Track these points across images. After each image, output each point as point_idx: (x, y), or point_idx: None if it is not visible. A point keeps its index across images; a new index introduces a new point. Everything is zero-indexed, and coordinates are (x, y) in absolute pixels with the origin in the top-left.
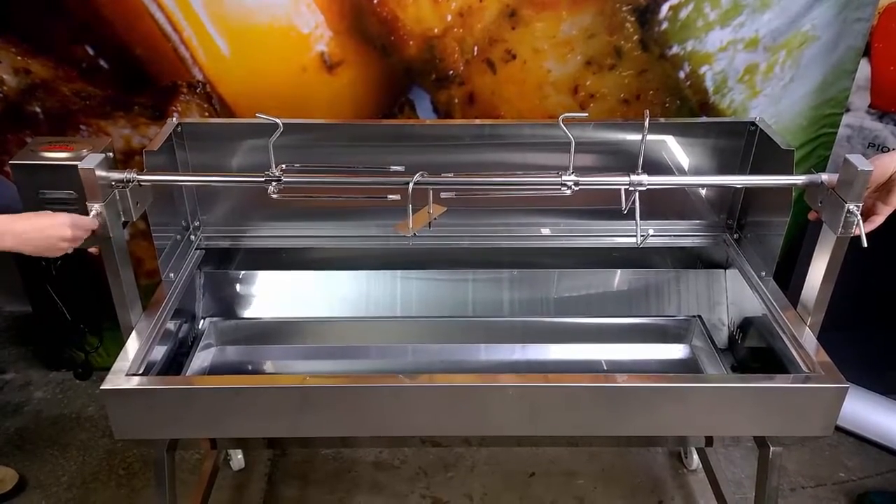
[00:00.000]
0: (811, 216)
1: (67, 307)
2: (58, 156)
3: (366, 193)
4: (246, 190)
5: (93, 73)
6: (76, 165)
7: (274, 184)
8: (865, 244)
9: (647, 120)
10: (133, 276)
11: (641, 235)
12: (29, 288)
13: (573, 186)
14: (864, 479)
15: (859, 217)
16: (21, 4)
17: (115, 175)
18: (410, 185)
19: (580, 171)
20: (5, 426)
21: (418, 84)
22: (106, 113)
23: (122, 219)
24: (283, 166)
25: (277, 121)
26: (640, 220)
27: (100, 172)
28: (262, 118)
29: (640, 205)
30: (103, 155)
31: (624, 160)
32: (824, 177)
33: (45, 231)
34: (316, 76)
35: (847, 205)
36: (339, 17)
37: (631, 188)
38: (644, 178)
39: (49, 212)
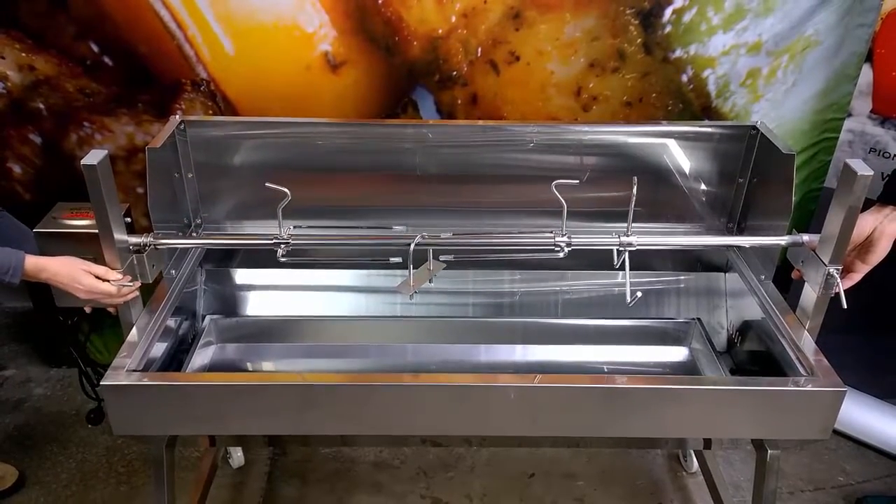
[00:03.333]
0: (794, 275)
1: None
2: (79, 223)
3: (369, 256)
4: (246, 188)
5: (97, 69)
6: (97, 233)
7: (282, 246)
8: (845, 305)
9: (636, 187)
10: None
11: (632, 293)
12: (29, 284)
13: (565, 248)
14: (863, 483)
15: (839, 280)
16: (26, 0)
17: (133, 240)
18: (412, 246)
19: (579, 171)
20: (5, 423)
21: (422, 84)
22: (109, 110)
23: (139, 281)
24: (292, 227)
25: (285, 190)
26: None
27: (118, 236)
28: (271, 186)
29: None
30: (104, 152)
31: (624, 162)
32: (805, 238)
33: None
34: (320, 75)
35: (827, 268)
36: (344, 17)
37: (621, 248)
38: (634, 239)
39: (79, 260)
